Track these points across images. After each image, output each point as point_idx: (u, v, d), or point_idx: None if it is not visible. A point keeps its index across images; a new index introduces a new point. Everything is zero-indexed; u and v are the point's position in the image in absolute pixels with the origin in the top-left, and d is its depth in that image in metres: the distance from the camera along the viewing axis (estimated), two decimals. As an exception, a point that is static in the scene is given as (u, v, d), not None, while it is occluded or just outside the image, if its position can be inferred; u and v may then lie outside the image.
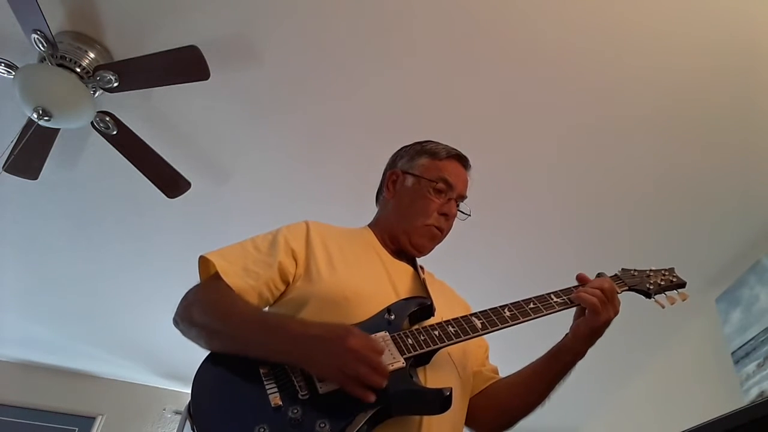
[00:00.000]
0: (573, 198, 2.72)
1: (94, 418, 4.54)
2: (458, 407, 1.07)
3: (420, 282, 1.19)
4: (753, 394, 2.56)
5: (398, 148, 1.40)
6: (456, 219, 1.31)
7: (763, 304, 2.61)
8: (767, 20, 1.97)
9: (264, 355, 0.94)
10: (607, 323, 1.08)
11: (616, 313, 1.10)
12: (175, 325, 1.05)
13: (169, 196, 2.63)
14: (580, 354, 1.11)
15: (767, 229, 2.71)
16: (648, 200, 2.67)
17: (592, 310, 1.07)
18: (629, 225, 2.80)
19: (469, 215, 1.31)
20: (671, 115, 2.30)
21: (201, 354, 0.98)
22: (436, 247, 1.31)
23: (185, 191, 2.63)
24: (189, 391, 0.90)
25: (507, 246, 3.01)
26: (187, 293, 1.07)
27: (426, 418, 0.96)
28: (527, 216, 2.83)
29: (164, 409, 4.70)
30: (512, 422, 1.19)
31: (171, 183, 2.58)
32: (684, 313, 3.19)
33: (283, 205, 2.87)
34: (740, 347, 2.70)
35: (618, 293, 1.13)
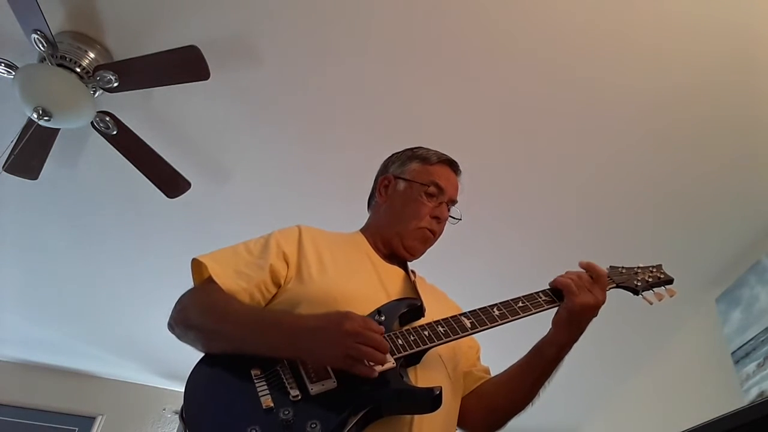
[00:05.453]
0: (573, 199, 2.72)
1: (94, 418, 4.55)
2: (449, 406, 1.08)
3: (411, 285, 1.21)
4: (753, 394, 2.56)
5: (390, 155, 1.41)
6: (447, 223, 1.32)
7: (763, 304, 2.61)
8: (766, 21, 1.98)
9: (264, 352, 0.95)
10: (586, 309, 1.08)
11: (597, 301, 1.09)
12: (170, 330, 1.05)
13: (169, 196, 2.63)
14: (564, 346, 1.10)
15: (767, 229, 2.71)
16: (648, 201, 2.67)
17: (567, 291, 1.09)
18: (629, 225, 2.79)
19: (460, 219, 1.33)
20: (671, 116, 2.30)
21: (200, 355, 0.98)
22: (429, 249, 1.32)
23: (185, 191, 2.63)
24: (186, 392, 0.90)
25: (504, 246, 3.01)
26: (181, 297, 1.08)
27: (417, 418, 0.97)
28: (524, 216, 2.83)
29: (164, 409, 4.71)
30: (501, 422, 1.18)
31: (171, 183, 2.58)
32: (684, 313, 3.19)
33: (282, 205, 2.87)
34: (740, 347, 2.70)
35: (606, 289, 1.13)
